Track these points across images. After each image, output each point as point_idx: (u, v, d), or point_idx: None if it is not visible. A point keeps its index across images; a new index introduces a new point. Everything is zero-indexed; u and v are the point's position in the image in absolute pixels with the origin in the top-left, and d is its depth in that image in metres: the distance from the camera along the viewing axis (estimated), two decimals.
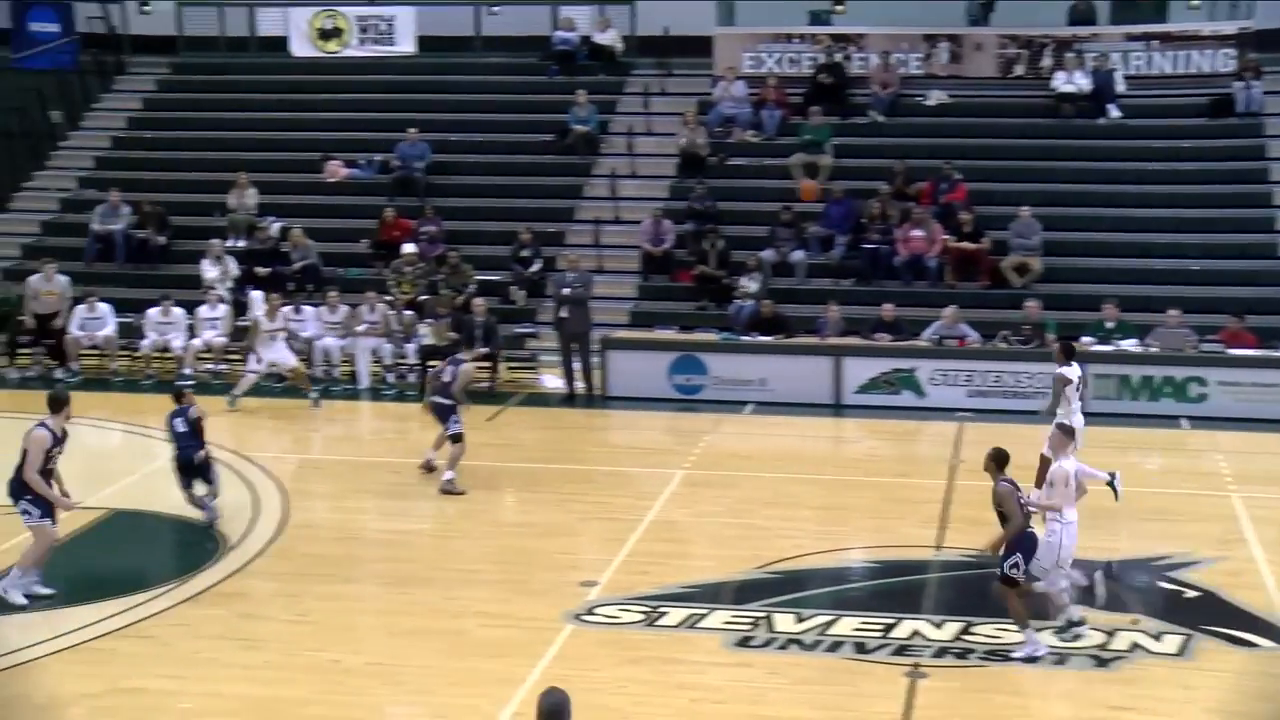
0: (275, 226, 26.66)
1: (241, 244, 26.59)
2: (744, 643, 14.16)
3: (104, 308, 24.59)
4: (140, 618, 14.87)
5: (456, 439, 18.79)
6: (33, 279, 25.04)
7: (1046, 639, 13.85)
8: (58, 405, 15.60)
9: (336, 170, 28.49)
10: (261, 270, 25.78)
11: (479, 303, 23.80)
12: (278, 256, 26.15)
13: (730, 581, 15.73)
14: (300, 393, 22.94)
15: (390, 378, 23.85)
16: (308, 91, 31.01)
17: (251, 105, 30.83)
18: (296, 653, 14.07)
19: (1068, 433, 14.88)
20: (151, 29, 32.94)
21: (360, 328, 23.91)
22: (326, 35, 31.44)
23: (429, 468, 19.25)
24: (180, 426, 17.79)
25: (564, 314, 23.19)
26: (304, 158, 29.00)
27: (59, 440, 15.47)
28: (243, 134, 29.92)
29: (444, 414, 18.90)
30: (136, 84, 31.93)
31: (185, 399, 17.95)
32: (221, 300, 24.70)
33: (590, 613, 14.91)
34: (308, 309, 24.39)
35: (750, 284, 24.67)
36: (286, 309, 23.67)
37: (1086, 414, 18.08)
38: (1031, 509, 13.92)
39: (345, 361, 24.16)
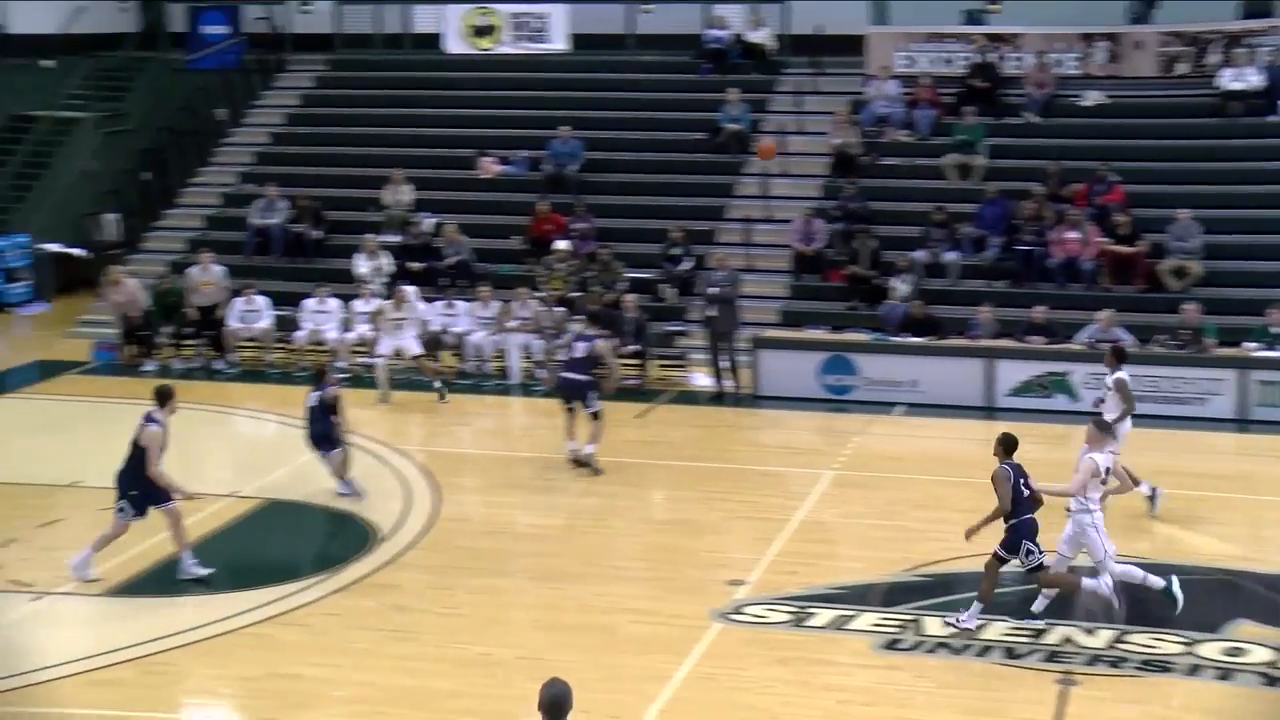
0: (429, 222, 26.96)
1: (396, 239, 26.92)
2: (892, 645, 14.07)
3: (261, 301, 25.06)
4: (296, 606, 15.17)
5: (597, 416, 19.07)
6: (191, 270, 25.62)
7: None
8: (165, 398, 16.00)
9: (489, 167, 28.74)
10: (415, 265, 26.09)
11: (629, 300, 23.89)
12: (431, 252, 26.45)
13: (879, 583, 15.64)
14: (427, 384, 23.17)
15: (541, 373, 24.01)
16: (461, 88, 31.31)
17: (406, 101, 31.19)
18: (447, 645, 14.24)
19: (1104, 428, 15.08)
20: (311, 28, 33.50)
21: (512, 323, 24.10)
22: (480, 32, 31.72)
23: (578, 461, 19.39)
24: (311, 401, 18.44)
25: (712, 312, 23.21)
26: (457, 154, 29.29)
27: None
28: (397, 130, 30.28)
29: (579, 392, 19.10)
30: (296, 81, 32.47)
31: (326, 378, 18.51)
32: (375, 295, 25.02)
33: (738, 612, 14.91)
34: (460, 304, 24.64)
35: (902, 285, 24.49)
36: (413, 296, 23.96)
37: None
38: (1043, 493, 14.31)
39: (497, 357, 24.36)
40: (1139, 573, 14.61)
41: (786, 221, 26.65)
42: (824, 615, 14.74)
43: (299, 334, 24.74)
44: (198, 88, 32.27)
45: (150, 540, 16.79)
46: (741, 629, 14.59)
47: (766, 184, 27.67)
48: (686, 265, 25.77)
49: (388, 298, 25.01)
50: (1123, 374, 17.64)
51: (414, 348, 23.32)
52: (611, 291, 24.65)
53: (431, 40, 32.15)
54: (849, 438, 20.72)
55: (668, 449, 20.73)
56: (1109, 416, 16.86)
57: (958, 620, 14.31)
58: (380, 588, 15.71)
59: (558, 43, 31.50)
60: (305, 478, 19.09)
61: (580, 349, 19.60)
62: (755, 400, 22.90)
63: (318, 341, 24.77)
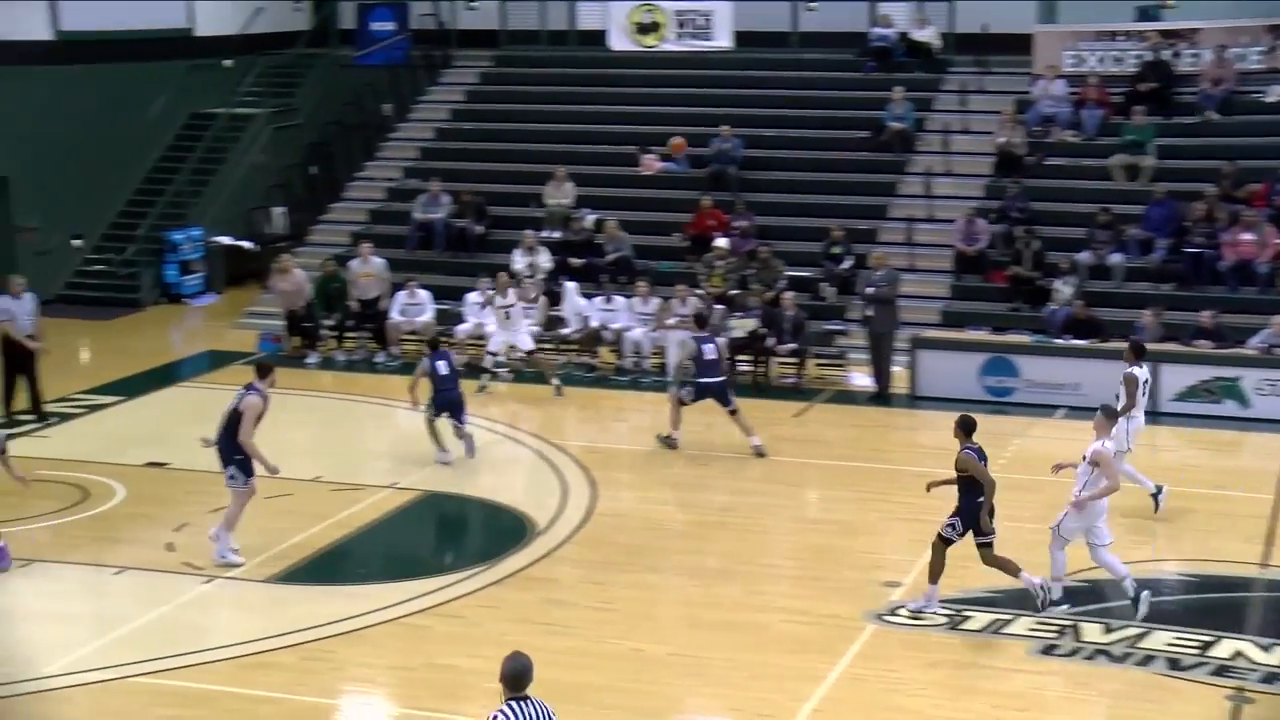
0: (590, 218, 27.10)
1: (557, 235, 27.10)
2: (1049, 650, 13.88)
3: (424, 294, 25.36)
4: (451, 597, 15.35)
5: (735, 413, 19.72)
6: (352, 262, 26.00)
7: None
8: (265, 371, 16.45)
9: (651, 164, 28.81)
10: (575, 261, 26.25)
11: (788, 298, 23.81)
12: (592, 248, 26.59)
13: None
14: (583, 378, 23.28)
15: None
16: (624, 85, 31.43)
17: (569, 98, 31.38)
18: (601, 640, 14.31)
19: (1110, 415, 15.14)
20: (477, 24, 33.80)
21: (670, 320, 24.14)
22: (645, 29, 31.80)
23: (761, 453, 19.60)
24: (443, 369, 19.36)
25: (870, 312, 23.06)
26: (619, 151, 29.40)
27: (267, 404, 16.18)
28: (560, 126, 30.46)
29: (721, 393, 19.74)
30: (461, 77, 32.82)
31: (442, 346, 19.60)
32: (538, 291, 25.19)
33: (892, 613, 14.80)
34: (619, 300, 24.74)
35: (1065, 286, 24.11)
36: (572, 291, 24.13)
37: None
38: (1084, 499, 14.54)
39: (655, 353, 24.40)
40: (1123, 569, 14.68)
41: (949, 221, 26.37)
42: (980, 619, 14.58)
43: (461, 328, 24.98)
44: (365, 83, 32.78)
45: (311, 529, 17.15)
46: (896, 630, 14.48)
47: (929, 183, 27.40)
48: (847, 264, 25.62)
49: (550, 294, 25.21)
50: (1133, 370, 17.71)
51: (527, 344, 23.45)
52: (771, 289, 24.57)
53: (596, 37, 32.29)
54: (1009, 440, 20.42)
55: (824, 448, 20.62)
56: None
57: (914, 608, 14.75)
58: (535, 581, 15.84)
59: (722, 40, 31.46)
60: (464, 471, 19.32)
61: (709, 351, 19.97)
62: (914, 401, 22.69)
63: (478, 335, 25.00)
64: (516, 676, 9.36)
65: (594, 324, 24.61)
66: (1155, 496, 17.47)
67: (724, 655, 13.91)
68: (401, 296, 25.33)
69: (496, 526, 17.87)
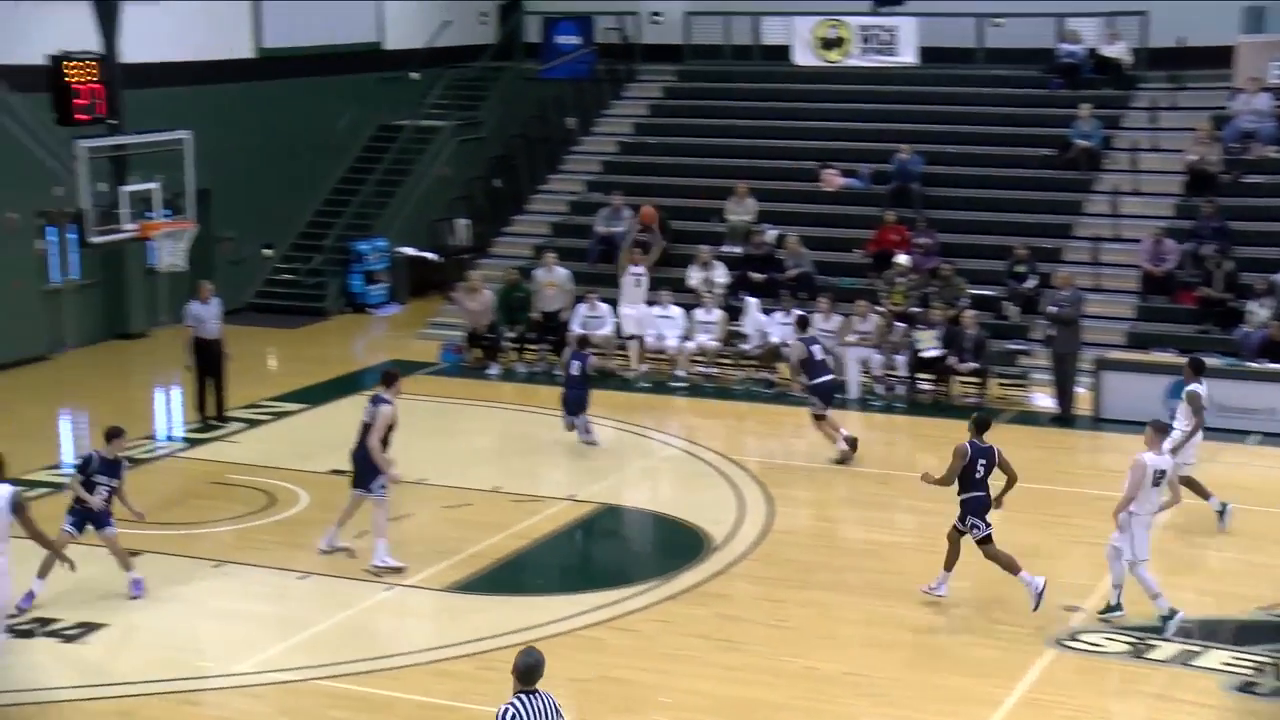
0: (771, 234, 27.04)
1: (738, 250, 27.08)
2: (1246, 689, 13.46)
3: (604, 307, 25.50)
4: (626, 611, 15.38)
5: (820, 417, 20.44)
6: (537, 272, 26.24)
7: None
8: (391, 380, 16.83)
9: (833, 179, 28.66)
10: (756, 276, 26.20)
11: (968, 316, 23.52)
12: (773, 263, 26.52)
13: (1230, 620, 15.02)
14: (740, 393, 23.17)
15: (879, 389, 23.82)
16: (807, 100, 31.32)
17: (752, 113, 31.35)
18: (775, 657, 14.24)
19: (1159, 429, 15.21)
20: (661, 38, 33.96)
21: (851, 337, 23.98)
22: (829, 45, 31.68)
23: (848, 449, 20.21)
24: (575, 369, 20.28)
25: (1053, 332, 22.68)
26: (801, 166, 29.30)
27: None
28: (742, 141, 30.43)
29: (827, 394, 20.68)
30: (645, 91, 32.96)
31: (588, 345, 20.58)
32: (717, 305, 25.22)
33: (1073, 638, 14.53)
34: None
35: (1260, 308, 23.48)
36: (754, 307, 24.16)
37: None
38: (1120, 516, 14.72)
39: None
40: (1155, 587, 14.77)
41: (1136, 241, 25.84)
42: (1167, 648, 14.24)
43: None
44: (549, 97, 33.08)
45: (490, 539, 17.32)
46: (1076, 656, 14.21)
47: (1116, 202, 26.88)
48: (1031, 283, 25.23)
49: (730, 308, 25.22)
50: (1195, 387, 17.81)
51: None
52: (952, 307, 24.29)
53: (780, 52, 32.24)
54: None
55: None
56: (1178, 426, 17.45)
57: (930, 589, 15.31)
58: (711, 596, 15.82)
59: (906, 56, 31.22)
60: (641, 484, 19.40)
61: (818, 352, 20.69)
62: (1098, 423, 22.25)
63: (658, 349, 25.07)
64: (528, 670, 9.59)
65: (774, 340, 24.53)
66: (1220, 514, 17.71)
67: (899, 676, 13.76)
68: (582, 309, 25.49)
69: (673, 541, 17.88)
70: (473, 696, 13.50)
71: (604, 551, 18.08)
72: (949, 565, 15.37)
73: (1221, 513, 17.71)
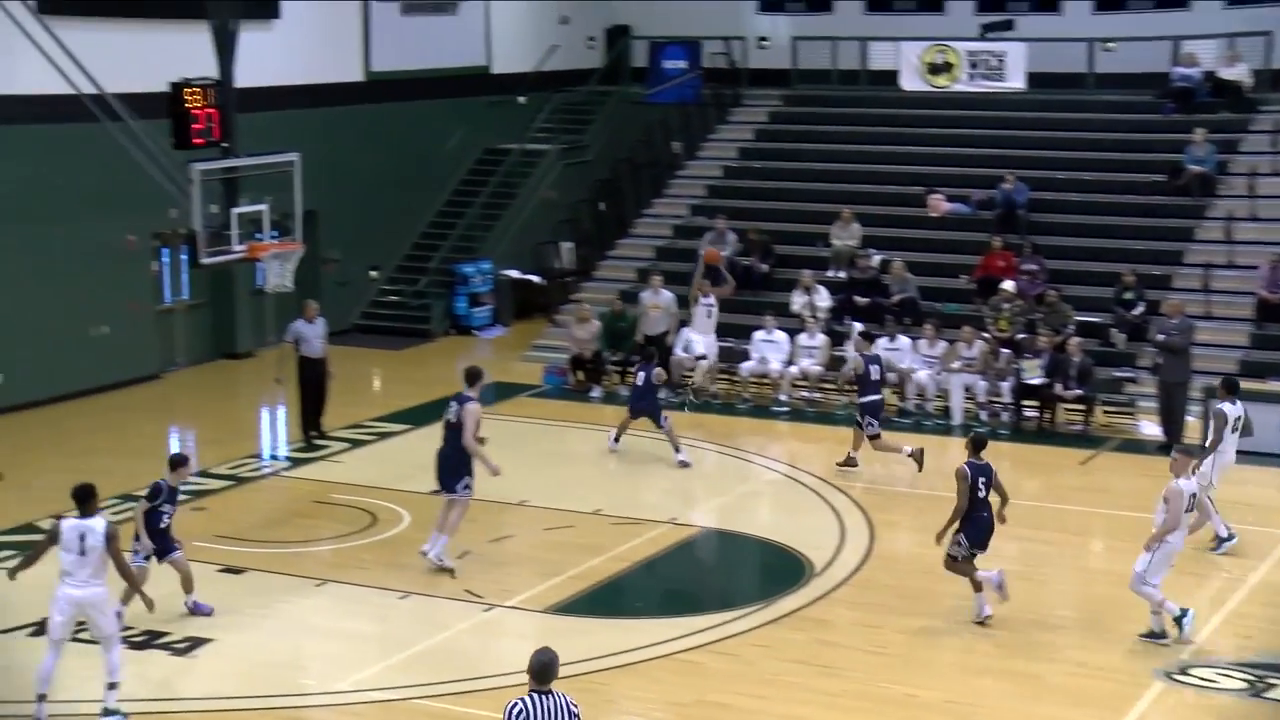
0: (876, 259, 26.92)
1: (842, 275, 26.99)
2: None
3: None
4: (726, 635, 15.35)
5: (874, 438, 20.81)
6: (643, 294, 26.27)
7: None
8: (475, 378, 17.25)
9: (938, 205, 28.49)
10: (861, 301, 26.10)
11: (1073, 343, 23.27)
12: (877, 288, 26.40)
13: None
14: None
15: (983, 415, 23.62)
16: (913, 125, 31.17)
17: (857, 138, 31.25)
18: (874, 683, 14.15)
19: (1185, 453, 15.34)
20: (768, 63, 34.00)
21: (955, 363, 23.81)
22: (936, 70, 31.52)
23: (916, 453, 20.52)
24: (640, 380, 21.06)
25: (1161, 360, 22.38)
26: (907, 191, 29.16)
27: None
28: (847, 165, 30.36)
29: (875, 412, 21.08)
30: (750, 116, 32.95)
31: (654, 359, 21.40)
32: (820, 330, 25.14)
33: (1183, 672, 14.29)
34: (904, 341, 24.49)
35: None
36: (857, 332, 24.12)
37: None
38: (1155, 545, 14.86)
39: (939, 396, 24.10)
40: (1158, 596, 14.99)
41: (1251, 268, 25.45)
42: None
43: (745, 365, 25.05)
44: (655, 121, 33.19)
45: (590, 561, 17.35)
46: (1187, 691, 13.98)
47: (1230, 228, 26.48)
48: (1139, 310, 24.91)
49: (834, 333, 25.14)
50: (1223, 406, 17.94)
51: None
52: (1058, 334, 24.04)
53: (887, 77, 32.14)
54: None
55: (1110, 497, 20.05)
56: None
57: (981, 614, 15.46)
58: (811, 622, 15.75)
59: (1014, 81, 30.98)
60: (743, 508, 19.36)
61: (874, 372, 20.98)
62: (1205, 452, 21.85)
63: (761, 374, 25.03)
64: (542, 669, 9.80)
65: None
66: (1223, 540, 17.67)
67: (1000, 705, 13.62)
68: (686, 332, 25.52)
69: (773, 566, 17.83)
70: None
71: (704, 575, 18.05)
72: (977, 588, 15.59)
73: (1227, 539, 17.74)
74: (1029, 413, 23.44)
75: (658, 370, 21.75)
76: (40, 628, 14.66)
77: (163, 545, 15.42)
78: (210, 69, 19.67)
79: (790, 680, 14.25)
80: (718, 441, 22.68)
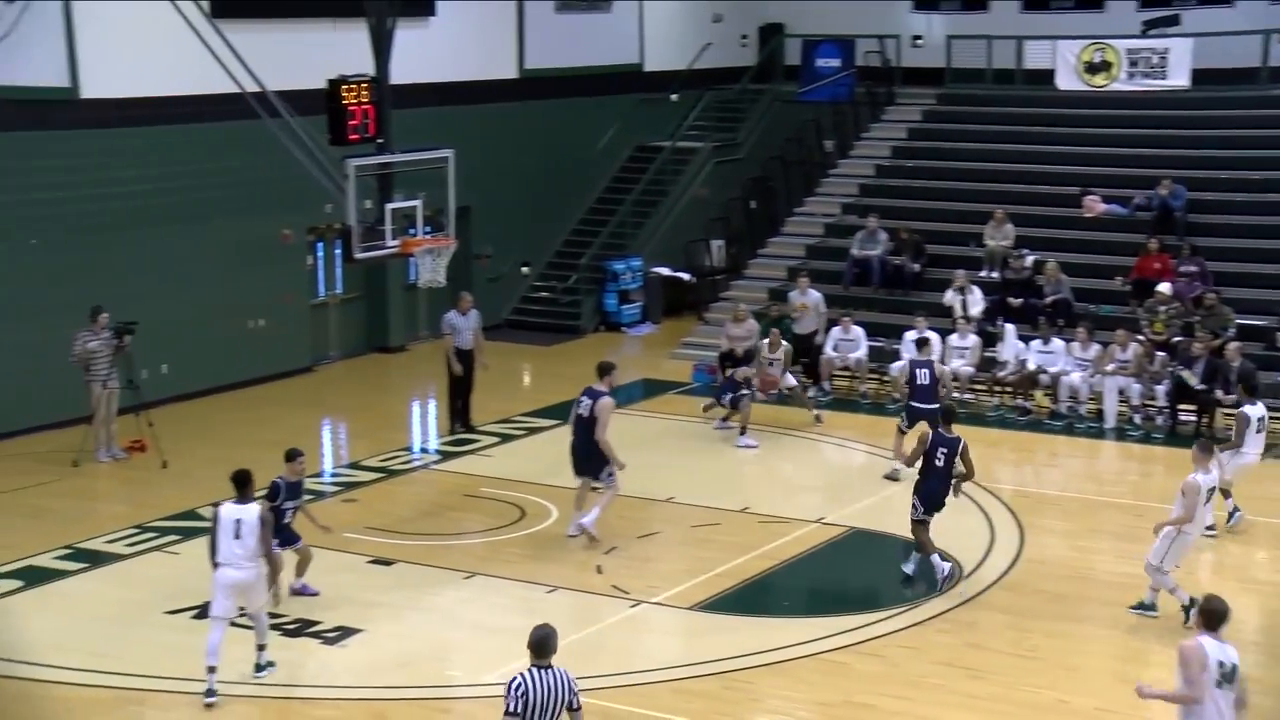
0: (1029, 259, 26.56)
1: (995, 275, 26.68)
2: None
3: (858, 331, 25.34)
4: (873, 636, 15.27)
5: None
6: (791, 294, 26.22)
7: None
8: (607, 371, 17.97)
9: (1094, 205, 28.01)
10: (1014, 302, 25.78)
11: (1233, 347, 22.76)
12: (1030, 289, 26.05)
13: None
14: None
15: (1137, 418, 23.22)
16: (1069, 125, 30.68)
17: (1011, 137, 30.84)
18: (1021, 688, 13.99)
19: (1205, 449, 15.66)
20: (922, 62, 33.72)
21: (1110, 366, 23.42)
22: (1094, 69, 30.99)
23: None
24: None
25: None
26: (1061, 192, 28.71)
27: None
28: (1001, 165, 29.99)
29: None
30: (903, 115, 32.68)
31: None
32: (972, 331, 24.88)
33: None
34: (1057, 343, 24.14)
35: None
36: (1011, 334, 23.78)
37: None
38: (1168, 525, 15.32)
39: (1092, 399, 23.73)
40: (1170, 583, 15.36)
41: None
42: None
43: (895, 365, 24.84)
44: (807, 119, 33.04)
45: (737, 560, 17.34)
46: None
47: None
48: None
49: (987, 335, 24.87)
50: (1245, 408, 18.58)
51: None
52: (1217, 337, 23.53)
53: (1043, 76, 31.70)
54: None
55: (1273, 505, 19.57)
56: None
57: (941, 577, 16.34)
58: (958, 625, 15.60)
59: (1178, 79, 30.31)
60: (891, 509, 19.19)
61: (922, 376, 20.58)
62: None
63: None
64: (540, 643, 10.24)
65: (1030, 366, 24.10)
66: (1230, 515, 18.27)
67: (1153, 715, 13.36)
68: (836, 332, 25.40)
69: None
70: (715, 717, 13.53)
71: (851, 575, 17.94)
72: (925, 551, 16.58)
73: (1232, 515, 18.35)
74: (1185, 417, 22.99)
75: (741, 370, 23.19)
76: (202, 611, 15.05)
77: (285, 538, 15.75)
78: (367, 66, 19.93)
79: (936, 683, 14.13)
80: (867, 441, 22.54)
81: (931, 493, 16.50)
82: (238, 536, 13.76)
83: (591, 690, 13.81)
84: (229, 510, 13.89)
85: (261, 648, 14.29)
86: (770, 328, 24.80)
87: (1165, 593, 15.54)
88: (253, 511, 13.88)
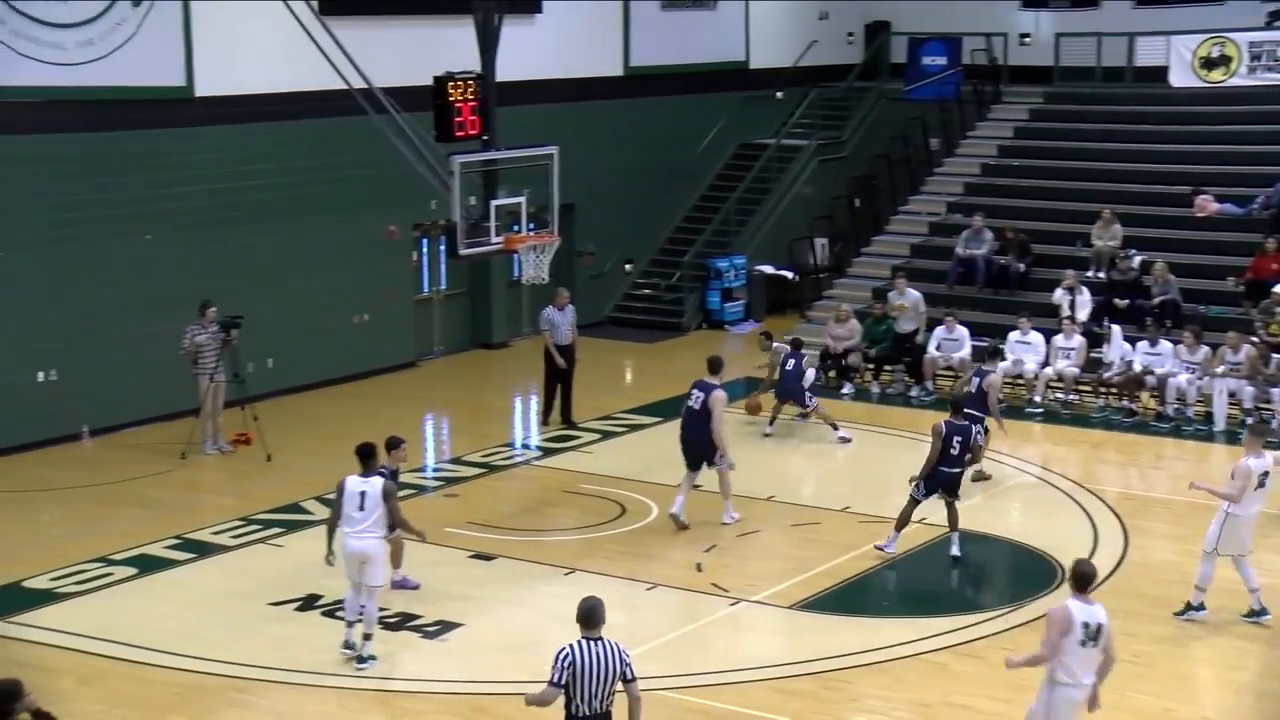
0: (1137, 259, 26.21)
1: (1101, 276, 26.36)
2: None
3: (962, 330, 25.13)
4: (973, 637, 15.15)
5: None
6: (890, 294, 26.08)
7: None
8: (717, 367, 18.38)
9: (1206, 205, 27.58)
10: (1120, 303, 25.47)
11: None
12: (1137, 289, 25.72)
13: None
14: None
15: (1249, 421, 22.83)
16: (1181, 123, 30.24)
17: (1121, 136, 30.43)
18: (1127, 694, 13.77)
19: (1257, 433, 15.96)
20: (1030, 60, 33.39)
21: (1220, 368, 23.06)
22: (1211, 64, 30.49)
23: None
24: (789, 365, 22.58)
25: None
26: (1172, 191, 28.32)
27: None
28: (1109, 164, 29.62)
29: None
30: (1010, 113, 32.37)
31: (802, 346, 22.94)
32: (1078, 331, 24.60)
33: None
34: (1165, 344, 23.81)
35: None
36: (1117, 335, 23.48)
37: None
38: (1202, 487, 15.93)
39: (1200, 401, 23.38)
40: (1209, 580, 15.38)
41: None
42: None
43: (999, 365, 24.59)
44: (912, 117, 32.83)
45: (837, 559, 17.28)
46: None
47: None
48: None
49: (1093, 335, 24.60)
50: None
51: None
52: None
53: (1154, 73, 31.28)
54: None
55: None
56: None
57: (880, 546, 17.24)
58: None
59: None
60: (993, 510, 19.06)
61: (977, 381, 20.36)
62: None
63: (1016, 374, 24.57)
64: (587, 615, 10.43)
65: (1137, 368, 23.79)
66: None
67: None
68: (939, 331, 25.21)
69: (1022, 569, 17.52)
70: (814, 716, 13.48)
71: (952, 576, 17.78)
72: (898, 526, 17.31)
73: None
74: None
75: (807, 358, 23.11)
76: (305, 603, 15.26)
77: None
78: (473, 63, 20.05)
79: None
80: None
81: (941, 479, 17.30)
82: (361, 508, 14.24)
83: (691, 688, 13.88)
84: (354, 482, 14.38)
85: (368, 638, 14.49)
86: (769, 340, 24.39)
87: (1245, 591, 15.49)
88: (376, 484, 14.35)
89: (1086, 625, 11.20)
